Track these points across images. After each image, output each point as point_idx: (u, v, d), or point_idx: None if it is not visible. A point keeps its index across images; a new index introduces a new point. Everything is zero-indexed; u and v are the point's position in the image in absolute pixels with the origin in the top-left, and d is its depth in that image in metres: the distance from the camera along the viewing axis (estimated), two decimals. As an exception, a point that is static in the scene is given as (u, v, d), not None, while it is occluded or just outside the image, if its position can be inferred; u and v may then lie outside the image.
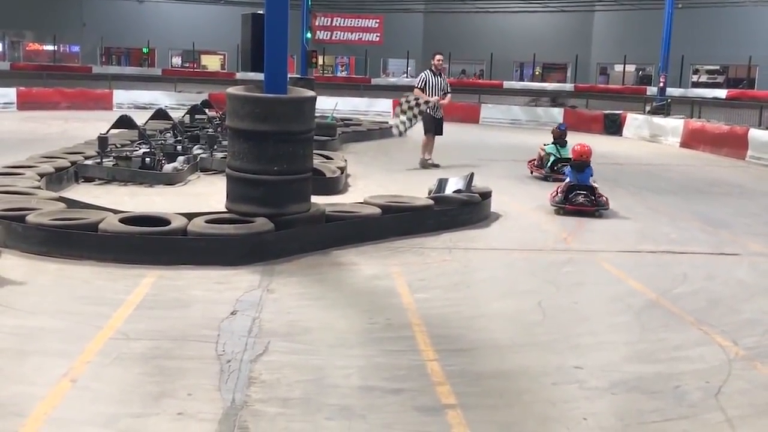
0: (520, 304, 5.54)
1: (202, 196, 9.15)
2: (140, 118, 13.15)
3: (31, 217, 6.46)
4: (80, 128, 15.02)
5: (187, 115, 15.15)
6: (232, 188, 6.97)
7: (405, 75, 35.87)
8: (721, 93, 27.23)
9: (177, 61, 39.10)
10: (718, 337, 4.86)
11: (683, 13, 26.04)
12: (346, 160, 11.54)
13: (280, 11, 6.87)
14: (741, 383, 4.16)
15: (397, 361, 4.32)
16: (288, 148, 6.78)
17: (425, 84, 12.53)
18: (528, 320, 5.18)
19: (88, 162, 10.45)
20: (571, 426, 3.57)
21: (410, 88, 13.68)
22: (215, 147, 11.71)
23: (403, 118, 12.44)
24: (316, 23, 36.22)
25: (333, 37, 38.45)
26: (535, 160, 12.49)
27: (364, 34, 38.45)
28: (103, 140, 10.69)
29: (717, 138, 17.62)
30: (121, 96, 25.38)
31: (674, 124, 19.98)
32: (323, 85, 24.60)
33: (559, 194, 9.16)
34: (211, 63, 39.54)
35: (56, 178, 9.37)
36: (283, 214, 6.74)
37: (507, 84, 31.26)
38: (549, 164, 11.89)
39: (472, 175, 8.74)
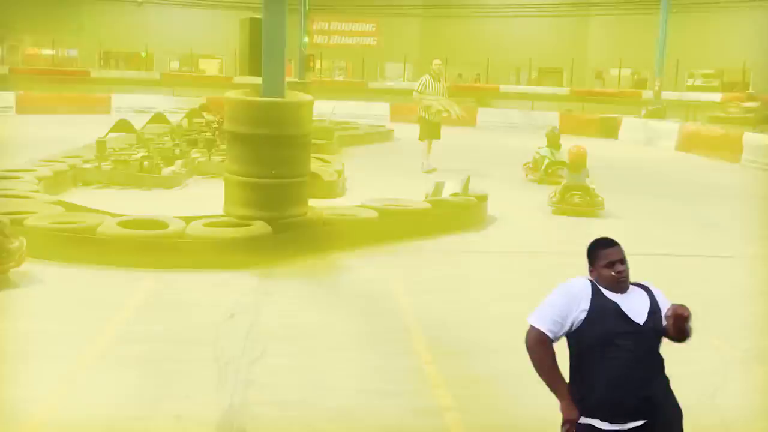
0: (517, 307, 5.51)
1: (200, 200, 9.15)
2: (138, 121, 13.17)
3: (30, 221, 6.48)
4: (79, 132, 15.00)
5: (185, 119, 15.16)
6: (230, 191, 6.99)
7: (401, 79, 35.92)
8: (716, 96, 27.32)
9: (175, 65, 39.11)
10: (715, 340, 4.89)
11: (678, 18, 26.12)
12: (343, 164, 11.57)
13: (277, 16, 6.90)
14: (737, 386, 4.19)
15: (394, 364, 4.34)
16: (285, 152, 6.81)
17: (425, 88, 12.60)
18: (525, 323, 5.19)
19: (87, 166, 10.47)
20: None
21: (408, 92, 13.70)
22: (213, 150, 11.74)
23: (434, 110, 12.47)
24: (314, 27, 36.28)
25: (330, 41, 38.53)
26: (530, 163, 12.56)
27: (361, 38, 38.56)
28: (101, 144, 10.71)
29: (712, 141, 17.68)
30: (120, 100, 25.39)
31: (670, 128, 20.05)
32: (320, 89, 24.62)
33: (556, 195, 9.33)
34: (210, 67, 39.57)
35: (55, 182, 9.38)
36: (280, 218, 6.77)
37: (503, 88, 31.32)
38: (543, 167, 11.97)
39: (468, 178, 8.78)
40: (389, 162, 14.41)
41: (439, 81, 12.74)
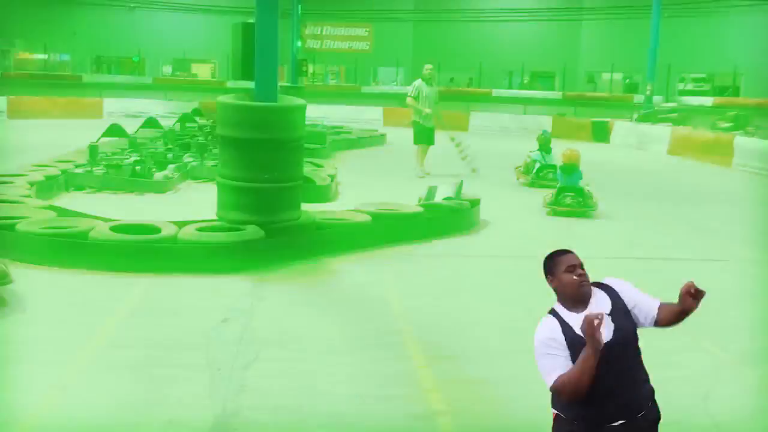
0: (510, 311, 5.57)
1: (193, 204, 9.14)
2: (131, 126, 13.15)
3: (21, 226, 6.46)
4: (71, 137, 14.97)
5: (178, 124, 15.14)
6: (222, 196, 6.98)
7: (395, 83, 35.97)
8: (707, 101, 27.48)
9: (167, 69, 39.05)
10: (706, 343, 4.91)
11: (670, 23, 26.24)
12: (336, 168, 11.57)
13: (270, 20, 6.90)
14: (728, 388, 4.20)
15: (387, 368, 4.34)
16: (278, 156, 6.81)
17: (419, 93, 12.63)
18: (518, 327, 5.20)
19: (79, 170, 10.44)
20: None
21: (402, 96, 13.73)
22: (206, 155, 11.72)
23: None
24: (307, 32, 36.31)
25: (323, 46, 38.56)
26: (521, 166, 12.61)
27: (354, 42, 38.61)
28: (93, 149, 10.68)
29: (703, 145, 17.76)
30: (112, 104, 25.33)
31: (661, 132, 20.14)
32: (313, 93, 24.61)
33: (551, 197, 9.47)
34: (202, 71, 39.53)
35: (47, 187, 9.35)
36: (273, 222, 6.76)
37: (496, 92, 31.39)
38: (534, 171, 12.04)
39: (461, 182, 8.80)
40: (382, 166, 14.42)
41: (432, 85, 12.81)
